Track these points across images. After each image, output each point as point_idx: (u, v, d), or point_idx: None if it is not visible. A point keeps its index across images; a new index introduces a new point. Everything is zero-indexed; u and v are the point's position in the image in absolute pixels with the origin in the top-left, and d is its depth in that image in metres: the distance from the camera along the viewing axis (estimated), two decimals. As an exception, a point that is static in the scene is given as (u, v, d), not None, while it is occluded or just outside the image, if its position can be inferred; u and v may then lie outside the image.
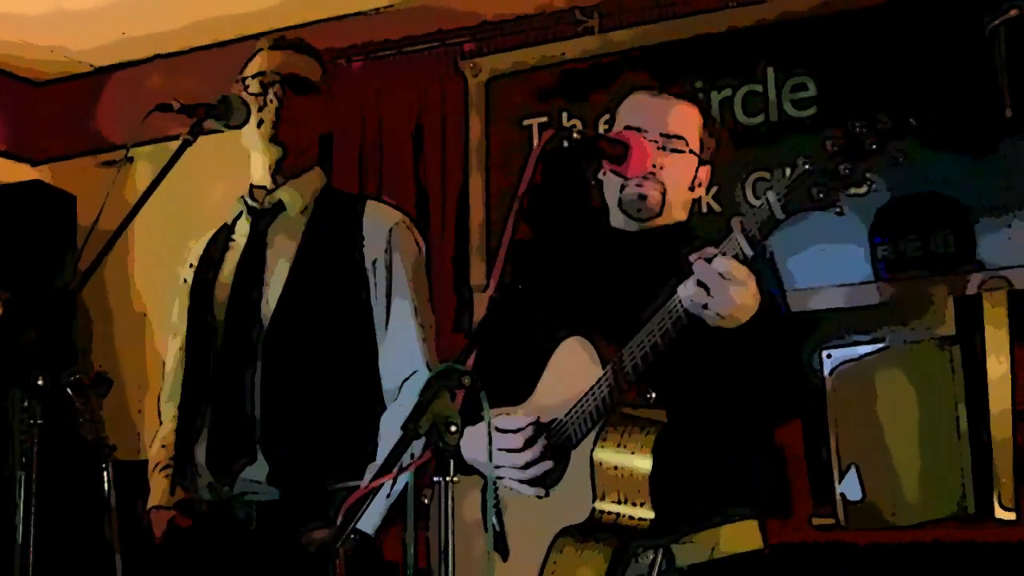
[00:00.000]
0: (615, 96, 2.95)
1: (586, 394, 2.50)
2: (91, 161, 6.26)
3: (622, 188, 2.77)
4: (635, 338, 2.42)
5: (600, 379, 2.47)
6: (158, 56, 6.28)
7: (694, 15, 5.07)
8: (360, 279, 3.09)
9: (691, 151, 2.77)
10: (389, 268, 3.10)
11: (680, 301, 2.32)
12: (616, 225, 2.85)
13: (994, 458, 4.16)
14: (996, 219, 4.39)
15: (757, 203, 2.21)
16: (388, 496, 2.90)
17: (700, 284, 2.26)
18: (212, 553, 3.06)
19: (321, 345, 3.04)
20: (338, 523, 2.04)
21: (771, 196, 2.16)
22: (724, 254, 2.24)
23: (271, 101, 3.09)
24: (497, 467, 2.63)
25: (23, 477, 2.63)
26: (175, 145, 2.81)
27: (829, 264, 4.58)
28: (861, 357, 4.27)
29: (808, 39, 4.83)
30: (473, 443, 2.64)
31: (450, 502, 1.94)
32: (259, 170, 3.18)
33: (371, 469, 2.94)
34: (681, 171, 2.78)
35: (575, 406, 2.52)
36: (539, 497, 2.58)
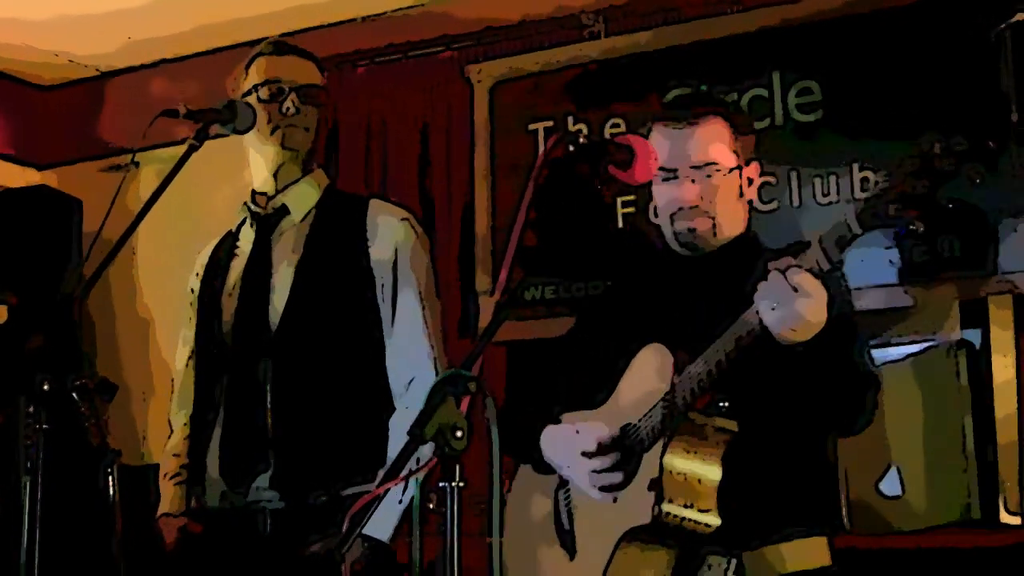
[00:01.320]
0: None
1: (659, 400, 2.54)
2: (97, 166, 6.26)
3: (672, 221, 2.76)
4: (710, 348, 2.45)
5: (674, 386, 2.52)
6: (164, 61, 6.29)
7: (699, 19, 5.08)
8: (366, 279, 3.08)
9: (727, 170, 2.74)
10: (395, 266, 3.10)
11: (756, 311, 2.35)
12: (674, 248, 2.85)
13: (999, 463, 4.16)
14: (1002, 224, 4.39)
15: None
16: (400, 502, 2.90)
17: (773, 292, 2.30)
18: (222, 561, 3.06)
19: (330, 348, 3.04)
20: (344, 529, 2.04)
21: (848, 212, 2.20)
22: (799, 267, 2.27)
23: (288, 111, 3.08)
24: (568, 467, 2.71)
25: (28, 482, 2.63)
26: (181, 150, 2.81)
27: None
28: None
29: (814, 43, 4.84)
30: (554, 443, 2.76)
31: (456, 507, 1.93)
32: (261, 175, 3.18)
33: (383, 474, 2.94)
34: (724, 192, 2.75)
35: (648, 412, 2.57)
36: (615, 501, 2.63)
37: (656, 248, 2.91)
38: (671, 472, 2.48)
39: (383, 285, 3.09)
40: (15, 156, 6.51)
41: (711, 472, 2.48)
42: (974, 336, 4.38)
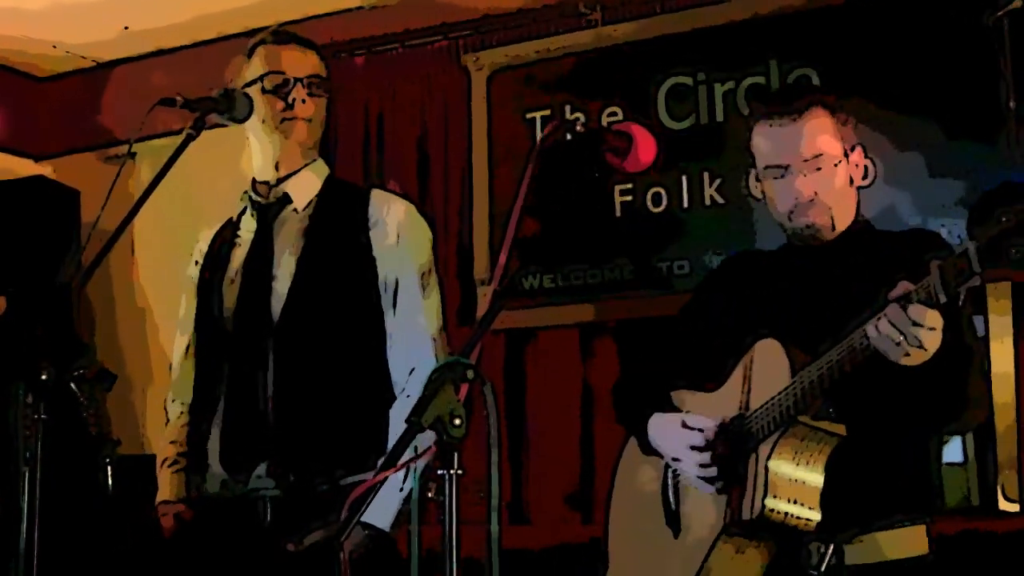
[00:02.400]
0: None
1: (773, 399, 2.58)
2: (94, 156, 6.27)
3: (790, 218, 2.77)
4: (823, 357, 2.49)
5: (787, 388, 2.55)
6: (161, 51, 6.29)
7: (697, 7, 5.08)
8: (368, 269, 3.08)
9: (837, 160, 2.75)
10: (397, 256, 3.10)
11: (868, 337, 2.37)
12: (794, 244, 2.86)
13: (998, 450, 4.16)
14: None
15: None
16: (401, 490, 2.90)
17: (892, 325, 2.30)
18: (221, 548, 3.06)
19: (332, 337, 3.04)
20: (342, 517, 2.04)
21: (971, 248, 2.18)
22: (919, 300, 2.28)
23: (294, 103, 3.08)
24: (676, 460, 2.77)
25: (27, 472, 2.63)
26: (178, 140, 2.81)
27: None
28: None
29: (811, 30, 4.84)
30: (662, 432, 2.82)
31: (455, 495, 1.93)
32: (261, 164, 3.18)
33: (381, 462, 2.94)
34: (836, 182, 2.75)
35: (761, 408, 2.61)
36: (717, 492, 2.69)
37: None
38: (777, 473, 2.54)
39: (385, 275, 3.09)
40: (12, 147, 6.51)
41: (815, 475, 2.54)
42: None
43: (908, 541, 2.67)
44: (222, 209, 3.36)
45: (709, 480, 2.68)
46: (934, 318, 2.29)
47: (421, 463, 2.03)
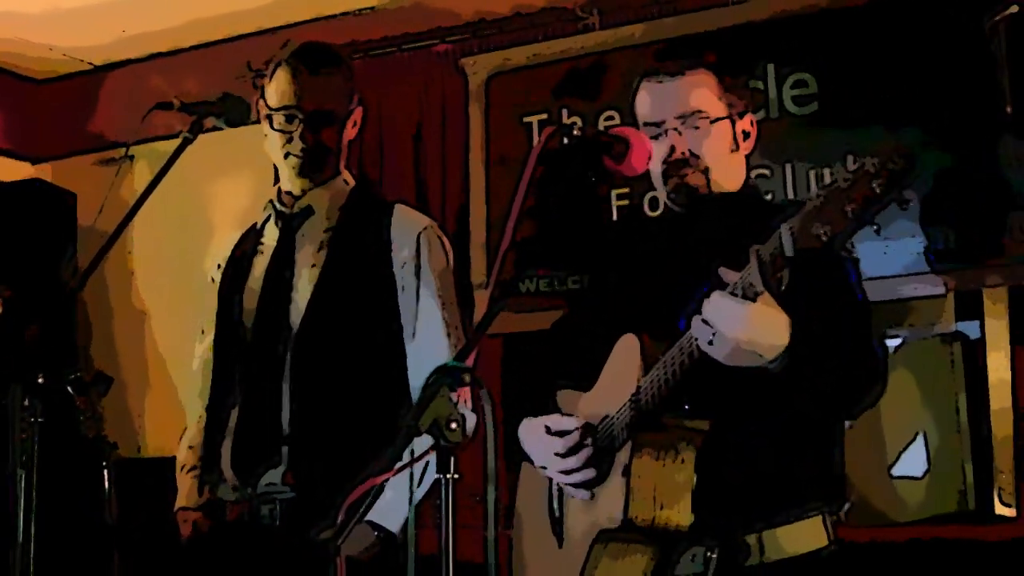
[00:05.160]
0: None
1: (628, 399, 2.49)
2: (91, 159, 6.26)
3: (665, 180, 2.67)
4: (668, 352, 2.38)
5: (639, 387, 2.47)
6: (158, 54, 6.28)
7: (694, 12, 5.08)
8: (388, 284, 3.09)
9: (716, 118, 2.65)
10: (417, 274, 3.11)
11: (695, 339, 2.27)
12: (673, 209, 2.75)
13: (994, 455, 4.17)
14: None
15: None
16: (412, 494, 2.90)
17: (706, 322, 2.22)
18: (237, 554, 3.06)
19: (350, 350, 3.05)
20: (339, 520, 2.04)
21: (783, 231, 2.09)
22: (736, 291, 2.18)
23: (297, 140, 3.09)
24: (542, 468, 2.68)
25: (24, 475, 2.63)
26: (175, 143, 2.81)
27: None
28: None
29: (809, 36, 4.84)
30: (528, 437, 2.73)
31: (451, 499, 1.93)
32: (287, 175, 3.19)
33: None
34: (714, 142, 2.65)
35: (620, 409, 2.52)
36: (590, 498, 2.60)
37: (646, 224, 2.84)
38: (640, 476, 2.42)
39: (404, 288, 3.10)
40: (9, 150, 6.50)
41: (682, 474, 2.40)
42: (969, 328, 4.39)
43: (804, 535, 2.52)
44: (219, 211, 3.36)
45: (575, 487, 2.61)
46: (743, 309, 2.17)
47: (418, 466, 2.03)
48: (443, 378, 1.94)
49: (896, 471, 4.24)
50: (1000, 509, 4.10)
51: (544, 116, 5.32)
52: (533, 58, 5.40)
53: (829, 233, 2.03)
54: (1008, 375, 4.23)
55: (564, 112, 5.25)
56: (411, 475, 1.97)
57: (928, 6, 4.58)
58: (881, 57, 4.64)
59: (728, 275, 2.22)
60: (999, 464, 4.15)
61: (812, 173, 4.73)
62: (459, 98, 5.52)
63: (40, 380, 2.63)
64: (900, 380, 4.25)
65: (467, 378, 1.96)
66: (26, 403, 2.63)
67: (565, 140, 2.43)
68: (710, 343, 2.22)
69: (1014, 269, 4.31)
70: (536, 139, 5.22)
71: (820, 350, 2.29)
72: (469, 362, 2.02)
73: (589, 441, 2.59)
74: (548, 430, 2.64)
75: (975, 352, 4.28)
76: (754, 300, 2.18)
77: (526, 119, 5.37)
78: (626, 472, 2.43)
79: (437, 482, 1.93)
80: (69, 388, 3.04)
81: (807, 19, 4.83)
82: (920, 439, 4.22)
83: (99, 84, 6.49)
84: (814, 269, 2.16)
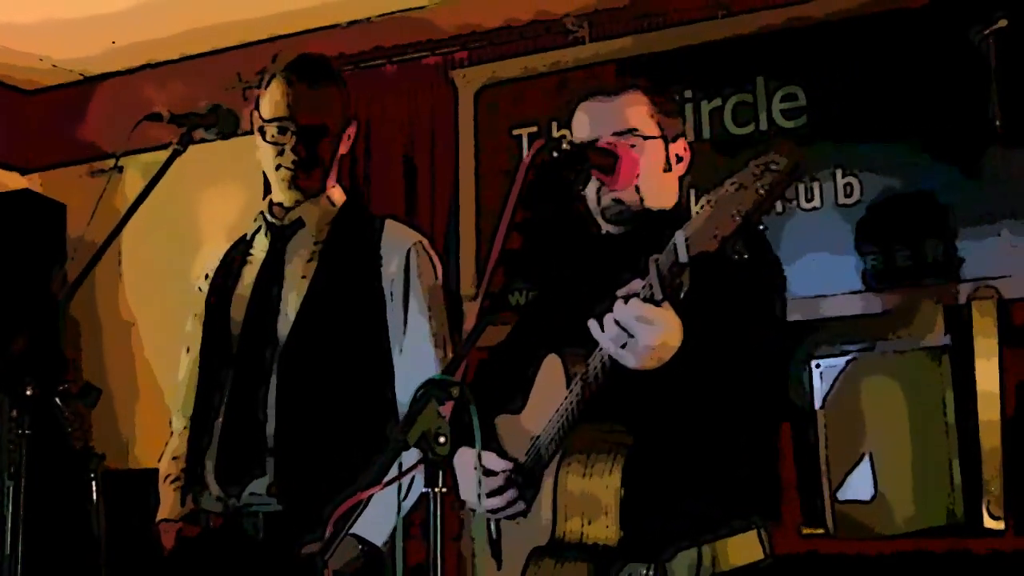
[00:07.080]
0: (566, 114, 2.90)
1: (551, 419, 2.48)
2: (81, 170, 6.26)
3: (599, 199, 2.70)
4: (572, 384, 2.39)
5: (560, 405, 2.45)
6: (148, 65, 6.28)
7: (684, 25, 5.09)
8: (377, 299, 3.10)
9: (648, 136, 2.68)
10: (406, 289, 3.11)
11: (603, 348, 2.26)
12: (608, 230, 2.78)
13: (983, 468, 4.17)
14: (985, 228, 4.41)
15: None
16: (398, 507, 2.90)
17: (618, 324, 2.19)
18: (219, 566, 3.05)
19: (337, 363, 3.04)
20: (327, 533, 2.04)
21: (677, 238, 2.08)
22: (639, 296, 2.17)
23: (289, 152, 3.09)
24: (473, 500, 2.69)
25: (11, 487, 2.63)
26: (165, 154, 2.81)
27: (818, 274, 4.59)
28: (850, 367, 4.28)
29: (798, 49, 4.85)
30: (461, 469, 2.72)
31: (439, 513, 1.93)
32: (278, 187, 3.19)
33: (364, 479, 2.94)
34: (647, 161, 2.67)
35: (544, 429, 2.51)
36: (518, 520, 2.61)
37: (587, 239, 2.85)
38: (567, 491, 2.41)
39: (393, 307, 3.10)
40: (-1, 160, 6.51)
41: (608, 490, 2.37)
42: (957, 340, 4.40)
43: (739, 550, 2.50)
44: (208, 222, 3.36)
45: (509, 517, 2.62)
46: (652, 313, 2.15)
47: (405, 480, 2.03)
48: (431, 391, 1.94)
49: (842, 495, 4.22)
50: (989, 522, 4.10)
51: (534, 128, 5.32)
52: (524, 71, 5.40)
53: (720, 236, 2.02)
54: (996, 388, 4.23)
55: (554, 125, 5.25)
56: (399, 488, 1.97)
57: (917, 20, 4.59)
58: (870, 71, 4.65)
59: (634, 285, 2.21)
60: (987, 477, 4.15)
61: (800, 187, 4.74)
62: (449, 110, 5.53)
63: (28, 391, 2.62)
64: (889, 392, 4.26)
65: (455, 392, 1.96)
66: (14, 414, 2.62)
67: (554, 154, 2.42)
68: (623, 346, 2.21)
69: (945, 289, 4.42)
70: (525, 152, 5.22)
71: (714, 343, 2.30)
72: (457, 376, 2.02)
73: (517, 479, 2.59)
74: (474, 467, 2.62)
75: (963, 364, 4.29)
76: (658, 306, 2.17)
77: (516, 132, 5.38)
78: (554, 489, 2.42)
79: (423, 495, 1.94)
80: (57, 399, 3.03)
81: (797, 32, 4.84)
82: (867, 461, 4.21)
83: (89, 95, 6.49)
84: (717, 268, 2.12)
